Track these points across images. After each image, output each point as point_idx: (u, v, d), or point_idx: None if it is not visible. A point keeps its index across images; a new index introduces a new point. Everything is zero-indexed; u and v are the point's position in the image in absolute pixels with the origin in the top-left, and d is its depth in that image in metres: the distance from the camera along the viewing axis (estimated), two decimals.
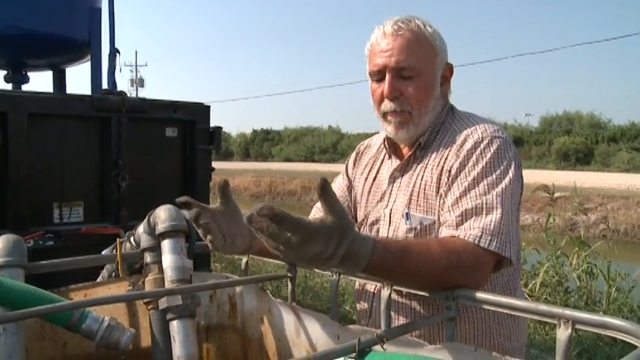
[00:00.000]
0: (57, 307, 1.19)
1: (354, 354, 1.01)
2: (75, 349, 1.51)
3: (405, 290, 1.39)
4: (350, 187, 1.76)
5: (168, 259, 1.40)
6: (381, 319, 1.30)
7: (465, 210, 1.36)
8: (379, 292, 1.38)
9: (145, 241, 1.51)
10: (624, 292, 5.57)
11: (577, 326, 0.99)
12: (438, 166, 1.49)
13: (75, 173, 3.69)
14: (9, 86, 4.99)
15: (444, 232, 1.38)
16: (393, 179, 1.61)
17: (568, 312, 1.00)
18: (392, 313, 1.38)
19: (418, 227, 1.49)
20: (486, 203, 1.35)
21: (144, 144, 3.94)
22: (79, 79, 5.31)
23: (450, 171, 1.45)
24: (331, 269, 1.41)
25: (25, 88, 5.02)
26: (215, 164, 4.41)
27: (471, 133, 1.48)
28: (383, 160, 1.69)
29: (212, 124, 4.25)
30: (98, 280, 1.72)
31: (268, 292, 1.65)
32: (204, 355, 1.76)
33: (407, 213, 1.51)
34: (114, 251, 1.66)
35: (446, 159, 1.48)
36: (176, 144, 4.12)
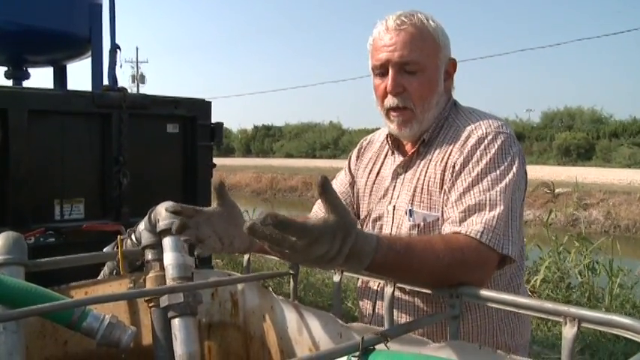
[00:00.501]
0: (57, 306, 1.18)
1: (357, 352, 1.00)
2: (76, 348, 1.50)
3: (408, 288, 1.38)
4: (352, 183, 1.75)
5: (169, 257, 1.39)
6: (384, 317, 1.29)
7: (468, 206, 1.35)
8: (382, 290, 1.37)
9: (146, 238, 1.50)
10: (627, 288, 5.56)
11: (583, 324, 0.98)
12: (441, 162, 1.48)
13: (76, 170, 3.68)
14: (9, 82, 4.98)
15: (447, 228, 1.37)
16: (396, 175, 1.59)
17: (574, 310, 0.99)
18: (395, 311, 1.37)
19: (422, 224, 1.47)
20: (490, 199, 1.34)
21: (145, 140, 3.93)
22: (79, 76, 5.30)
23: (453, 167, 1.44)
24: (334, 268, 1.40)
25: (25, 84, 5.01)
26: (216, 160, 4.39)
27: (475, 128, 1.46)
28: (386, 156, 1.68)
29: (213, 120, 4.24)
30: (99, 277, 1.72)
31: (270, 289, 1.64)
32: (206, 353, 1.76)
33: (410, 210, 1.50)
34: (115, 248, 1.65)
35: (449, 155, 1.47)
36: (177, 140, 4.10)
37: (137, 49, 61.51)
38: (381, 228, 1.59)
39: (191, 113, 4.09)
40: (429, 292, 1.29)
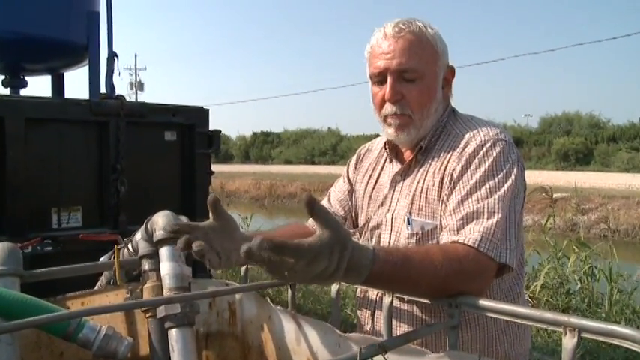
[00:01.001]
0: (53, 317, 1.17)
1: None
2: (72, 359, 1.49)
3: (407, 297, 1.37)
4: (351, 191, 1.74)
5: (166, 267, 1.38)
6: (382, 327, 1.28)
7: (466, 214, 1.34)
8: (381, 299, 1.36)
9: (143, 247, 1.49)
10: (626, 293, 5.54)
11: (583, 334, 0.97)
12: (439, 170, 1.47)
13: (73, 178, 3.68)
14: (7, 91, 4.98)
15: (445, 237, 1.36)
16: (394, 183, 1.59)
17: (574, 320, 0.98)
18: (394, 320, 1.36)
19: (420, 232, 1.46)
20: (487, 207, 1.33)
21: (143, 148, 3.93)
22: (77, 84, 5.30)
23: (452, 175, 1.43)
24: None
25: (23, 92, 5.01)
26: (215, 167, 4.39)
27: (473, 136, 1.46)
28: (384, 164, 1.67)
29: (211, 127, 4.24)
30: (96, 286, 1.71)
31: (268, 298, 1.63)
32: None
33: (408, 218, 1.49)
34: (112, 258, 1.64)
35: (448, 163, 1.46)
36: (175, 148, 4.11)
37: (135, 56, 61.73)
38: (379, 236, 1.58)
39: (189, 121, 4.10)
40: (427, 301, 1.28)
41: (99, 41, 4.67)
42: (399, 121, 1.50)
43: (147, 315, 1.40)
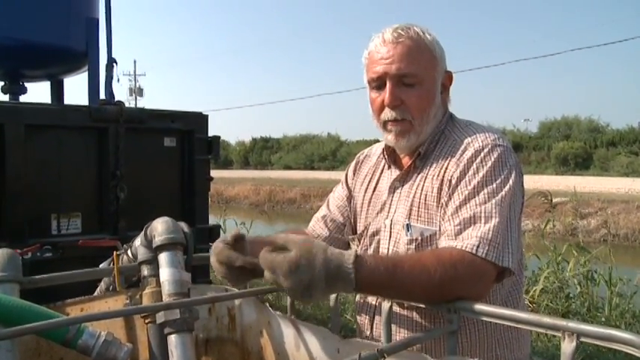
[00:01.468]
0: (52, 324, 1.17)
1: None
2: None
3: (406, 303, 1.37)
4: (350, 198, 1.74)
5: (165, 273, 1.38)
6: (381, 332, 1.28)
7: (464, 219, 1.34)
8: (380, 305, 1.36)
9: (142, 254, 1.49)
10: (626, 297, 5.53)
11: (582, 339, 0.97)
12: (438, 176, 1.47)
13: (73, 184, 3.67)
14: (6, 97, 4.98)
15: (443, 242, 1.36)
16: (393, 189, 1.59)
17: (572, 324, 0.98)
18: (393, 326, 1.36)
19: (419, 238, 1.46)
20: (485, 212, 1.33)
21: (142, 154, 3.92)
22: (76, 90, 5.31)
23: (450, 180, 1.43)
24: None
25: (22, 98, 5.02)
26: (214, 173, 4.39)
27: (472, 141, 1.46)
28: (382, 170, 1.67)
29: (210, 133, 4.24)
30: (96, 292, 1.70)
31: (267, 304, 1.63)
32: None
33: (407, 224, 1.49)
34: (111, 264, 1.64)
35: (446, 168, 1.46)
36: (174, 154, 4.10)
37: (135, 62, 61.97)
38: (378, 242, 1.58)
39: (188, 127, 4.09)
40: (426, 307, 1.28)
41: (98, 47, 4.68)
42: (399, 127, 1.51)
43: (146, 321, 1.40)
